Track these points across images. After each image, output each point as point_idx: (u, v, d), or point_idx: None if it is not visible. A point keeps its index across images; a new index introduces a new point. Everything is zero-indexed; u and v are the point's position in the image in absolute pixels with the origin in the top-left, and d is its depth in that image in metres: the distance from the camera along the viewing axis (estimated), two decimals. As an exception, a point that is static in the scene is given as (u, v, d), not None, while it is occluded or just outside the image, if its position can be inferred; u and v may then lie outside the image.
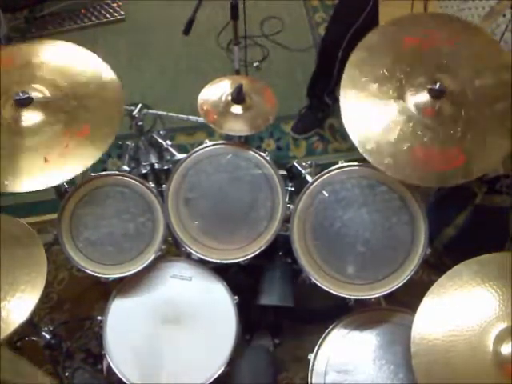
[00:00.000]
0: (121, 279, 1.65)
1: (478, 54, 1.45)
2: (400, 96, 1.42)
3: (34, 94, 1.45)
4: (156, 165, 1.87)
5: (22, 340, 1.74)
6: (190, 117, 1.94)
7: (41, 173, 1.39)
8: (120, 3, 3.06)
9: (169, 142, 1.92)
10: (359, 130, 1.41)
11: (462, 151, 1.38)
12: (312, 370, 1.50)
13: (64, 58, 1.55)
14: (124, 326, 1.61)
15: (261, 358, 1.74)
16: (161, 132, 1.96)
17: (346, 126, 1.42)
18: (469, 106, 1.41)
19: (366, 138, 1.40)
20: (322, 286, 1.53)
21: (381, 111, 1.42)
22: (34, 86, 1.48)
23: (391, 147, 1.39)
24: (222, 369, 1.53)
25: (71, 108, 1.46)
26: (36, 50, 1.56)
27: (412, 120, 1.40)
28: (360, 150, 1.39)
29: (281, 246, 1.71)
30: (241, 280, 1.80)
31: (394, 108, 1.42)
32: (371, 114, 1.42)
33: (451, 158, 1.37)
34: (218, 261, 1.61)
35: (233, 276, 1.76)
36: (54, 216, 1.63)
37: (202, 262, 1.66)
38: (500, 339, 1.19)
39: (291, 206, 1.59)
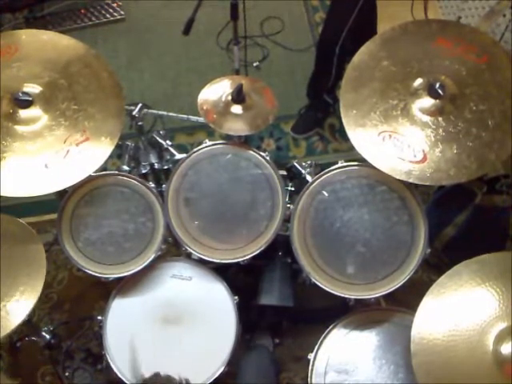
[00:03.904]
0: (121, 279, 1.65)
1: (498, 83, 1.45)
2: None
3: (32, 92, 1.44)
4: (156, 165, 1.87)
5: (21, 340, 1.74)
6: (190, 117, 1.94)
7: (41, 178, 1.39)
8: (120, 3, 3.05)
9: (169, 142, 1.92)
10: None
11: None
12: (312, 369, 1.50)
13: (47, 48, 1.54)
14: (124, 325, 1.61)
15: (263, 357, 1.74)
16: (161, 132, 1.96)
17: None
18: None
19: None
20: (322, 286, 1.53)
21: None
22: (27, 84, 1.46)
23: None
24: (222, 369, 1.53)
25: (72, 112, 1.46)
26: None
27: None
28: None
29: (281, 246, 1.71)
30: (241, 280, 1.81)
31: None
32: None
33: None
34: (218, 261, 1.61)
35: (233, 276, 1.76)
36: (54, 216, 1.63)
37: (201, 262, 1.66)
38: (500, 339, 1.19)
39: (291, 206, 1.59)
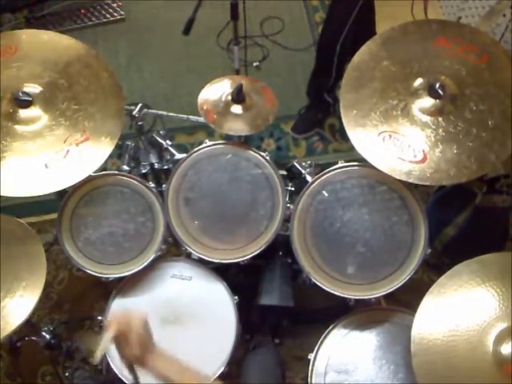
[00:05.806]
0: (121, 279, 1.65)
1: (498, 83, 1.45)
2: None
3: (32, 92, 1.44)
4: (156, 165, 1.87)
5: (21, 340, 1.74)
6: (190, 117, 1.94)
7: (41, 178, 1.39)
8: (120, 3, 3.05)
9: (169, 142, 1.92)
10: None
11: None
12: (312, 370, 1.50)
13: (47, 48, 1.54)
14: (124, 325, 1.60)
15: (269, 357, 1.74)
16: (161, 132, 1.96)
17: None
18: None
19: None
20: (322, 286, 1.53)
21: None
22: (27, 84, 1.46)
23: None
24: (222, 369, 1.53)
25: (72, 112, 1.46)
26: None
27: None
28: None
29: (281, 246, 1.71)
30: (241, 280, 1.80)
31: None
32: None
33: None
34: (218, 261, 1.61)
35: (233, 276, 1.76)
36: (54, 216, 1.64)
37: (202, 262, 1.66)
38: (500, 339, 1.19)
39: (291, 206, 1.59)
